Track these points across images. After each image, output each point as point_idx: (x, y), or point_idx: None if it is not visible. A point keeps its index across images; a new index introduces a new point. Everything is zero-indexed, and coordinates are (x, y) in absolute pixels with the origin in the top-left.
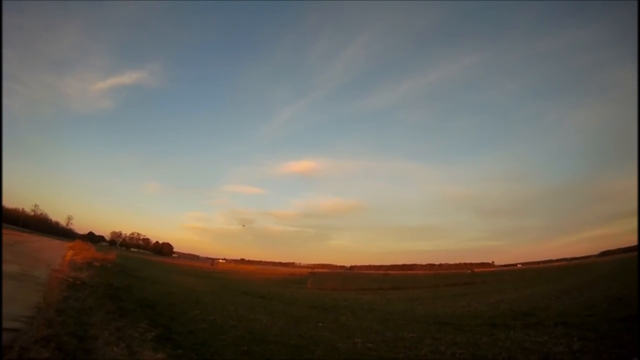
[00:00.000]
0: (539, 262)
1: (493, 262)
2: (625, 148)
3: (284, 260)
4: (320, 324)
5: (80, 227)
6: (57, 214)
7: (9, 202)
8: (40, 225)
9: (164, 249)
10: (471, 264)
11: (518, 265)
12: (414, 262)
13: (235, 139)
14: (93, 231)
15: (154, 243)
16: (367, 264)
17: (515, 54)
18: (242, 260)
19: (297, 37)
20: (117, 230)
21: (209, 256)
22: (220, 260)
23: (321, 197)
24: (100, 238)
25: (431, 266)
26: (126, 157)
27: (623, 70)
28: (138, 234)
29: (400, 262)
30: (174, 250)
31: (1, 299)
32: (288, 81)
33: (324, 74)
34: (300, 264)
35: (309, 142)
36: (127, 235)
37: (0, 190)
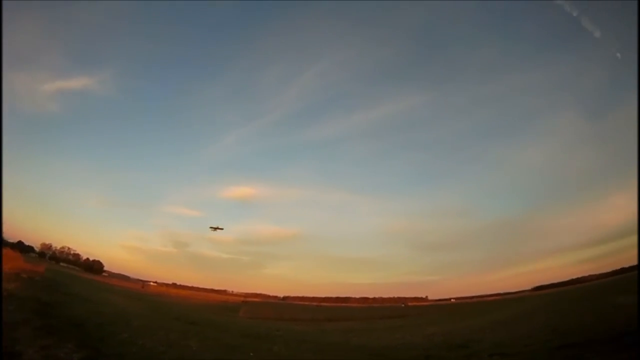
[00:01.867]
0: (472, 297)
1: (427, 296)
2: (560, 189)
3: (216, 287)
4: (252, 354)
5: (10, 234)
6: None
7: None
8: None
9: (94, 266)
10: (405, 298)
11: (452, 300)
12: (348, 295)
13: (179, 159)
14: (23, 240)
15: (85, 259)
16: (300, 294)
17: (463, 95)
18: (174, 285)
19: (253, 60)
20: (47, 242)
21: (140, 277)
22: (152, 283)
23: (259, 225)
24: (30, 248)
25: (365, 299)
26: (66, 165)
27: (565, 116)
28: (69, 248)
29: (334, 294)
30: (105, 268)
31: (1, 300)
32: (238, 104)
33: (276, 100)
34: (233, 291)
35: (253, 168)
36: (58, 248)
37: (0, 190)
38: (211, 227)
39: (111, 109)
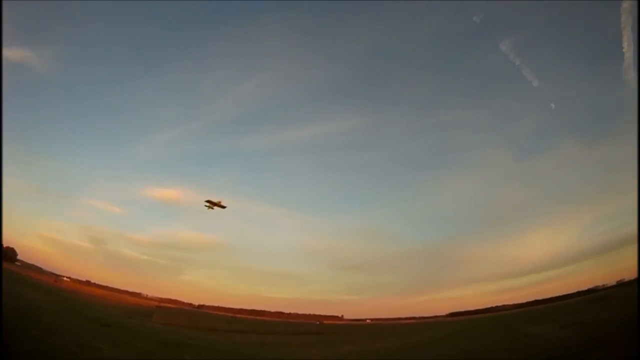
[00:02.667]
0: (388, 319)
1: (342, 315)
2: (481, 223)
3: (131, 289)
4: None
5: None
6: None
7: None
8: None
9: (7, 254)
10: (321, 316)
11: (367, 321)
12: (263, 308)
13: (107, 152)
14: None
15: None
16: (216, 304)
17: (402, 122)
18: (88, 282)
19: (194, 62)
20: None
21: (54, 271)
22: (65, 278)
23: (180, 229)
24: None
25: (280, 314)
26: None
27: (494, 155)
28: None
29: (249, 307)
30: (18, 257)
31: (1, 299)
32: (173, 104)
33: (212, 105)
34: (147, 295)
35: (180, 171)
36: None
37: (0, 189)
38: (207, 202)
39: (45, 88)
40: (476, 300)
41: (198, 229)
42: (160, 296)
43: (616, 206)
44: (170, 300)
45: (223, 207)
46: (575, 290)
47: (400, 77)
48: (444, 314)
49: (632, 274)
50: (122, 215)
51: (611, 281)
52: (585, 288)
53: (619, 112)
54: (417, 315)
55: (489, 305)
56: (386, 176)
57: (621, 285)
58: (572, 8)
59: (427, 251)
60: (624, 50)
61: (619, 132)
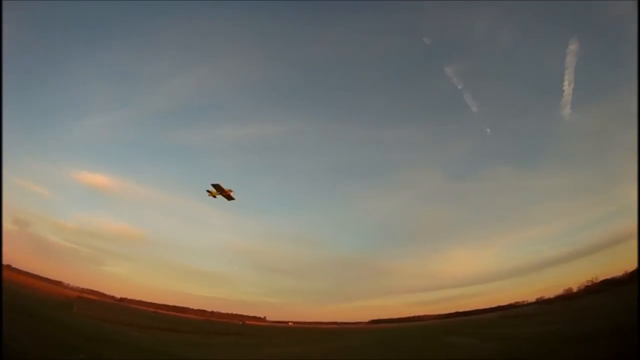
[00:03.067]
0: (310, 323)
1: (265, 317)
2: (406, 236)
3: (53, 277)
4: (82, 355)
5: None
6: None
7: None
8: None
9: None
10: (243, 316)
11: (289, 323)
12: (185, 305)
13: (38, 129)
14: None
15: None
16: (138, 298)
17: (339, 132)
18: (9, 267)
19: (138, 48)
20: None
21: None
22: None
23: (107, 218)
24: None
25: (203, 312)
26: None
27: (426, 173)
28: None
29: (172, 303)
30: None
31: (1, 299)
32: (112, 87)
33: (150, 95)
34: (69, 284)
35: (111, 157)
36: None
37: (0, 188)
38: (213, 186)
39: None
40: (398, 309)
41: (125, 219)
42: (81, 286)
43: (538, 231)
44: (91, 291)
45: (231, 198)
46: (495, 305)
47: (344, 89)
48: (365, 320)
49: (551, 293)
50: (47, 197)
51: (531, 298)
52: (505, 303)
53: (551, 145)
54: (339, 320)
55: (410, 315)
56: (319, 183)
57: (541, 302)
58: (521, 42)
59: (354, 260)
60: (564, 87)
61: (548, 164)
